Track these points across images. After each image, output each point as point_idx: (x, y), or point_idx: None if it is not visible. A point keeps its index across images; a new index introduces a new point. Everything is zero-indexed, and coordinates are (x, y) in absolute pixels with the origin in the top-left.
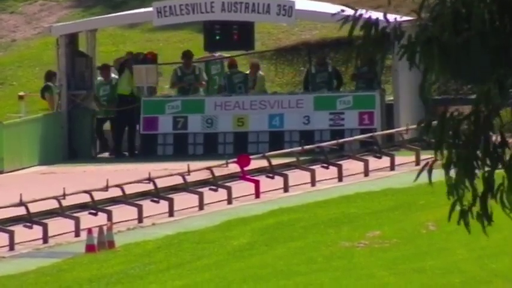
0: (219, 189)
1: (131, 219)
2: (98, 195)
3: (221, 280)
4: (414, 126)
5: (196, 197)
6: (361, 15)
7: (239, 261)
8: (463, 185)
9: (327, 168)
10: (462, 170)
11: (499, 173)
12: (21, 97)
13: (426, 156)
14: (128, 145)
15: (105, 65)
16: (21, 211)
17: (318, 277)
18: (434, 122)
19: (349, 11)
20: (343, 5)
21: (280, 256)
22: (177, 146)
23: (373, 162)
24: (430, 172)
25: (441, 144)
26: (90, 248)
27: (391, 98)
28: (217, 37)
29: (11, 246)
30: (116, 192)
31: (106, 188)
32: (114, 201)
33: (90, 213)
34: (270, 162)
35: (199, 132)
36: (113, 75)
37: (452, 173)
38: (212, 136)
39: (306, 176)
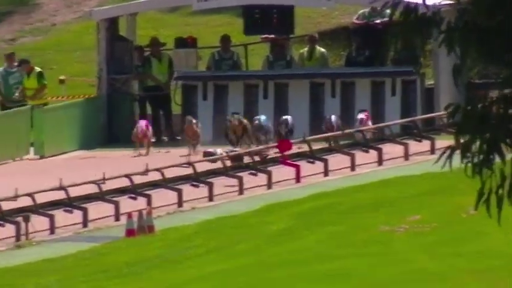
0: (259, 174)
1: (171, 204)
2: (138, 180)
3: (260, 265)
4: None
5: (236, 181)
6: (401, 0)
7: (278, 245)
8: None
9: (367, 152)
10: (485, 155)
11: None
12: (61, 81)
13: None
14: (166, 130)
15: (140, 47)
16: (61, 195)
17: (356, 261)
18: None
19: None
20: None
21: (319, 240)
22: (216, 131)
23: (414, 146)
24: (450, 158)
25: (465, 128)
26: (130, 232)
27: (432, 82)
28: (257, 21)
29: (52, 230)
30: (155, 177)
31: (146, 172)
32: (154, 185)
33: (129, 198)
34: (310, 147)
35: None
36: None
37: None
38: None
39: (346, 160)
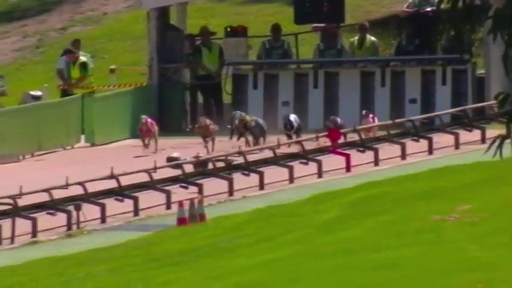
0: (310, 163)
1: (222, 193)
2: (189, 169)
3: (310, 254)
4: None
5: (286, 170)
6: None
7: (328, 235)
8: None
9: (417, 141)
10: None
11: None
12: (112, 70)
13: None
14: (217, 119)
15: (191, 35)
16: (112, 184)
17: (407, 251)
18: None
19: None
20: None
21: (370, 230)
22: (266, 120)
23: (464, 135)
24: (500, 147)
25: None
26: (181, 221)
27: (483, 71)
28: (307, 10)
29: (103, 219)
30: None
31: (196, 160)
32: (205, 174)
33: (181, 187)
34: (360, 136)
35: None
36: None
37: None
38: (301, 110)
39: (396, 149)
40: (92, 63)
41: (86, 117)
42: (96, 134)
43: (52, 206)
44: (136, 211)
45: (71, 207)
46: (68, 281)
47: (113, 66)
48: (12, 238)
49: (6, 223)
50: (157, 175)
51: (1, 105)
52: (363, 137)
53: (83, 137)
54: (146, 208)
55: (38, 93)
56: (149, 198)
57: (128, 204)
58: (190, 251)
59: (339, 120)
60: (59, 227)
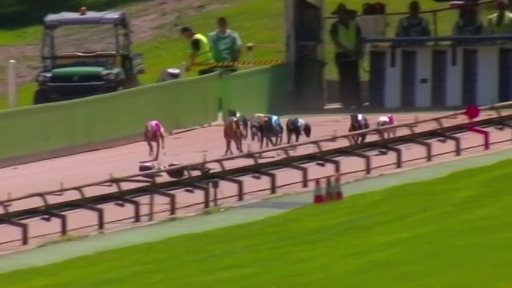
0: (447, 141)
1: (359, 170)
2: (326, 146)
3: (446, 232)
4: None
5: (424, 148)
6: None
7: (465, 213)
8: None
9: None
10: None
11: None
12: (249, 48)
13: None
14: (354, 97)
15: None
16: (249, 162)
17: None
18: None
19: None
20: None
21: (508, 208)
22: (404, 98)
23: None
24: None
25: None
26: (318, 199)
27: None
28: None
29: (240, 196)
30: (343, 144)
31: (333, 139)
32: (342, 152)
33: (317, 164)
34: (499, 113)
35: (426, 84)
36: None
37: None
38: (439, 88)
39: None
40: (239, 40)
41: (223, 94)
42: None
43: (190, 183)
44: (273, 188)
45: (208, 185)
46: (205, 258)
47: (250, 44)
48: (150, 215)
49: (144, 199)
50: (295, 153)
51: (140, 83)
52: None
53: (220, 114)
54: (283, 185)
55: (176, 70)
56: (286, 176)
57: (265, 181)
58: (326, 229)
59: (359, 116)
60: (196, 204)
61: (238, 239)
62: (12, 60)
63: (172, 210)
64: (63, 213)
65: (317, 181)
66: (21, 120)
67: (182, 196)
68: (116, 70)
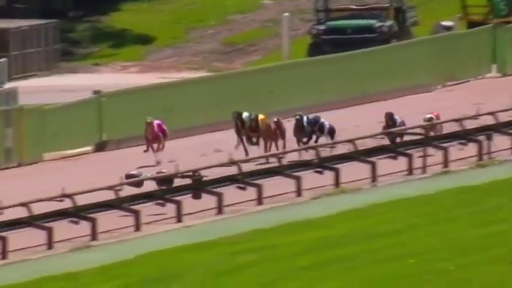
0: None
1: None
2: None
3: None
4: None
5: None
6: None
7: None
8: None
9: None
10: None
11: None
12: None
13: None
14: None
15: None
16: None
17: None
18: None
19: None
20: None
21: None
22: None
23: None
24: None
25: None
26: None
27: None
28: None
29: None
30: None
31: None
32: None
33: None
34: None
35: None
36: None
37: None
38: None
39: None
40: None
41: (499, 47)
42: (507, 65)
43: (463, 135)
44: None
45: (482, 138)
46: (477, 211)
47: None
48: (423, 168)
49: (417, 153)
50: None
51: (413, 35)
52: None
53: (494, 66)
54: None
55: (450, 23)
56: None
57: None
58: None
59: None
60: (470, 156)
61: (509, 192)
62: (286, 13)
63: (446, 163)
64: (336, 166)
65: None
66: (298, 71)
67: (454, 150)
68: (389, 22)
